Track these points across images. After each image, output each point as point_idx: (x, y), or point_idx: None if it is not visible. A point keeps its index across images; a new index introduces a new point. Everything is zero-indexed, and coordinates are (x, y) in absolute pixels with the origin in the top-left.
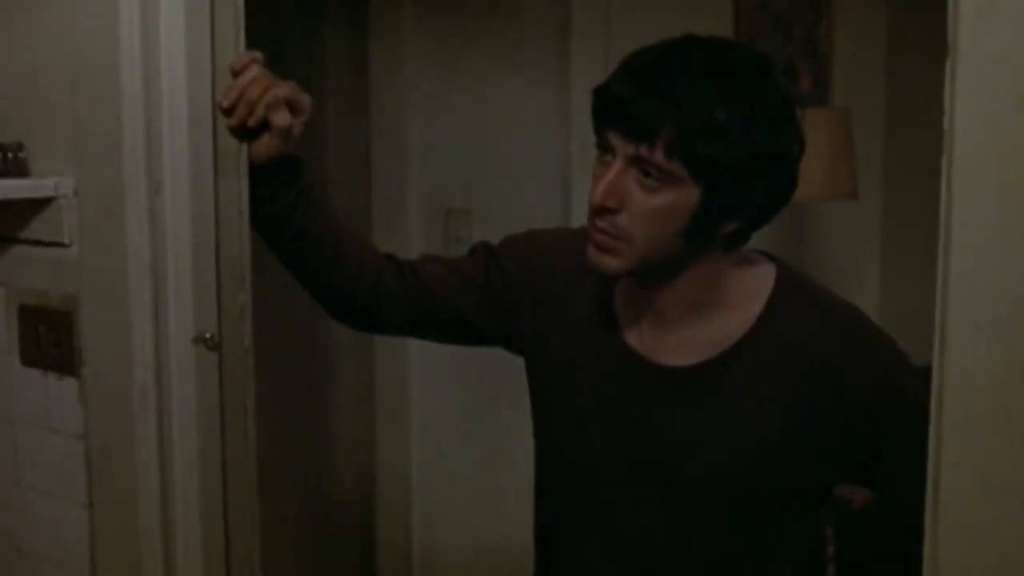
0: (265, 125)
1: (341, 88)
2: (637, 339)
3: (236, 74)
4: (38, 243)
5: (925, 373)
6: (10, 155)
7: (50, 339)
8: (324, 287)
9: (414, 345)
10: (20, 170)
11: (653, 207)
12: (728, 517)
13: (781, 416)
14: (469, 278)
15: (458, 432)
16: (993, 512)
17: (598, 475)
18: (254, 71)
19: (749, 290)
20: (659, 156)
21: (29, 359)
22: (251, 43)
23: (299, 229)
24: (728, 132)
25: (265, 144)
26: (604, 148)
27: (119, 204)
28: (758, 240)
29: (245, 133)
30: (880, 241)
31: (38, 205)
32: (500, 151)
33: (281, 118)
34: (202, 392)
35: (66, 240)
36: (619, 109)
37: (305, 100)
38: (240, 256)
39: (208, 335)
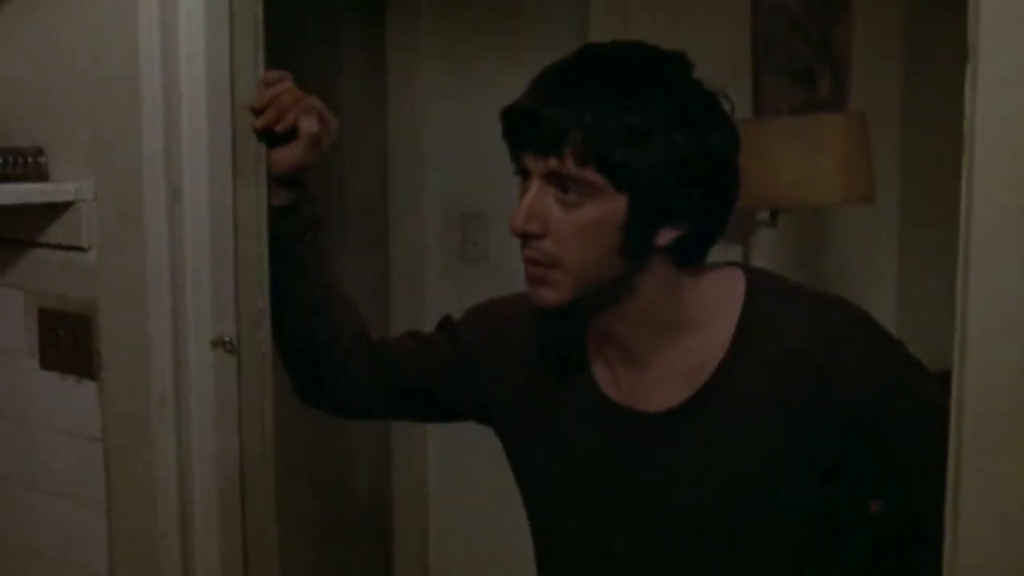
0: (290, 135)
1: (357, 91)
2: (612, 385)
3: (268, 86)
4: (57, 247)
5: (945, 380)
6: (30, 159)
7: (69, 343)
8: (298, 343)
9: None
10: (39, 174)
11: (577, 225)
12: (746, 555)
13: (778, 437)
14: (435, 352)
15: (475, 432)
16: (1020, 530)
17: (598, 535)
18: (287, 83)
19: (718, 303)
20: (570, 165)
21: (48, 363)
22: (269, 47)
23: (299, 259)
24: (643, 134)
25: (292, 151)
26: (522, 173)
27: (138, 208)
28: (769, 247)
29: (270, 138)
30: (898, 246)
31: (57, 209)
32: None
33: (310, 124)
34: (220, 396)
35: (85, 244)
36: (524, 124)
37: (333, 119)
38: (258, 260)
39: (226, 339)
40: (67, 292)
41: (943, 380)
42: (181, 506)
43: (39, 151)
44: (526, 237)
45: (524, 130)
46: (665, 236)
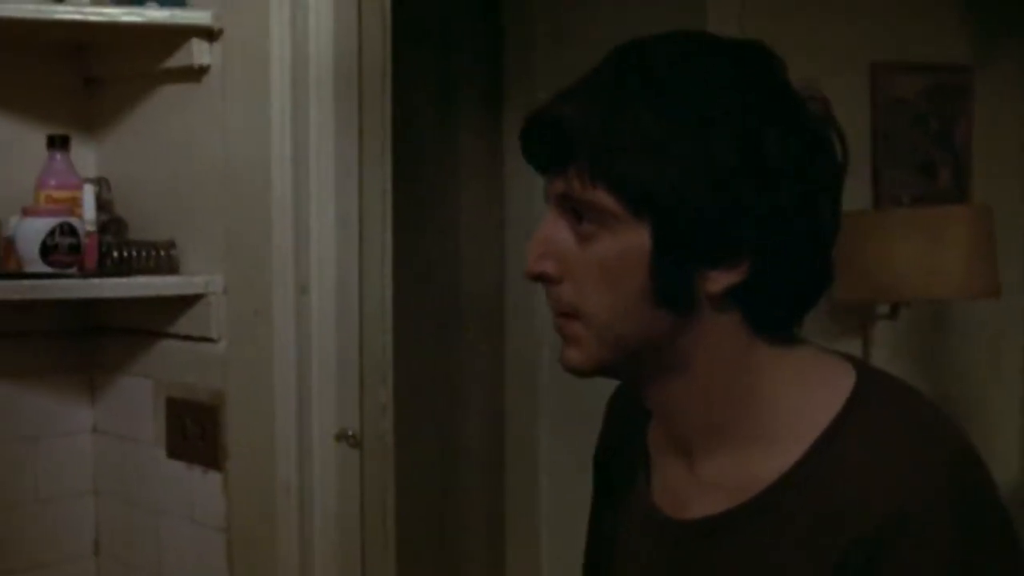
0: None
1: (475, 183)
2: (662, 488)
3: None
4: (187, 338)
5: None
6: (162, 253)
7: (196, 432)
8: None
9: (544, 454)
10: (171, 267)
11: (594, 261)
12: None
13: None
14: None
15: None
16: None
17: None
18: None
19: (806, 408)
20: (578, 185)
21: (175, 451)
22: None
23: None
24: (661, 144)
25: None
26: (546, 200)
27: (266, 302)
28: (889, 341)
29: None
30: None
31: (188, 301)
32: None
33: None
34: (343, 489)
35: (214, 336)
36: (531, 137)
37: None
38: (383, 355)
39: (350, 432)
40: (195, 383)
41: None
42: None
43: (171, 244)
44: (541, 281)
45: (531, 144)
46: (716, 282)
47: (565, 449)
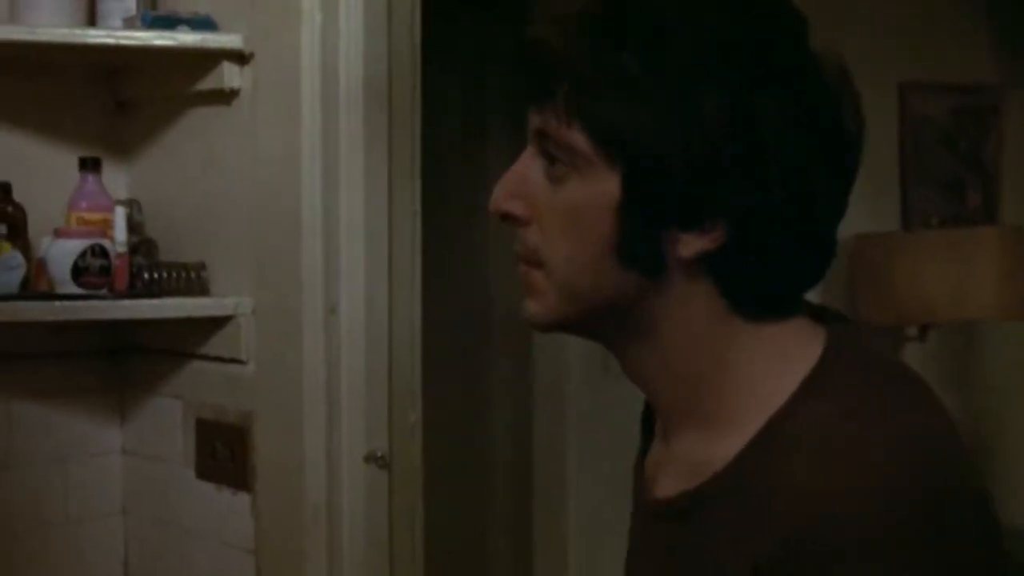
0: None
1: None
2: (652, 462)
3: None
4: (216, 359)
5: None
6: (192, 274)
7: (225, 453)
8: None
9: (572, 473)
10: (201, 289)
11: (561, 205)
12: None
13: None
14: None
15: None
16: None
17: None
18: None
19: (766, 386)
20: (554, 120)
21: (204, 472)
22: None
23: None
24: (641, 86)
25: None
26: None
27: (296, 323)
28: (917, 364)
29: None
30: None
31: (218, 323)
32: None
33: None
34: (371, 511)
35: (243, 357)
36: (518, 62)
37: None
38: (411, 375)
39: (379, 454)
40: (225, 404)
41: None
42: None
43: (202, 266)
44: (507, 220)
45: (519, 67)
46: (687, 246)
47: (593, 468)
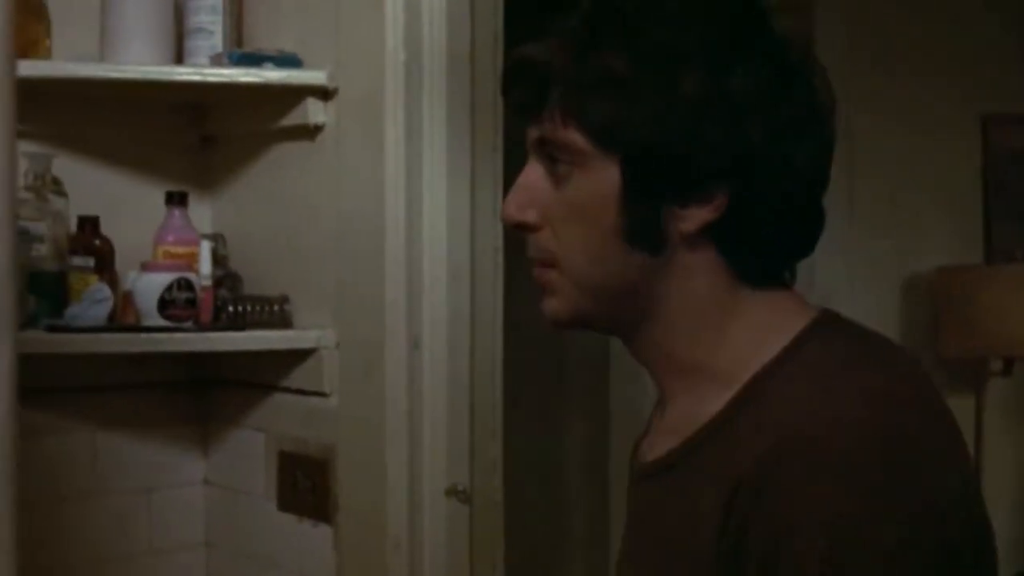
0: None
1: None
2: (648, 438)
3: None
4: (299, 392)
5: None
6: (276, 307)
7: (307, 486)
8: None
9: None
10: (284, 322)
11: (567, 204)
12: None
13: (703, 549)
14: None
15: None
16: None
17: None
18: None
19: (755, 349)
20: (550, 126)
21: (285, 504)
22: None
23: None
24: (628, 81)
25: None
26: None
27: (379, 357)
28: (1002, 398)
29: None
30: None
31: (300, 356)
32: None
33: None
34: (452, 544)
35: (326, 390)
36: (509, 78)
37: None
38: (493, 410)
39: (460, 488)
40: (307, 436)
41: None
42: None
43: (285, 299)
44: (521, 229)
45: (511, 89)
46: (690, 220)
47: None
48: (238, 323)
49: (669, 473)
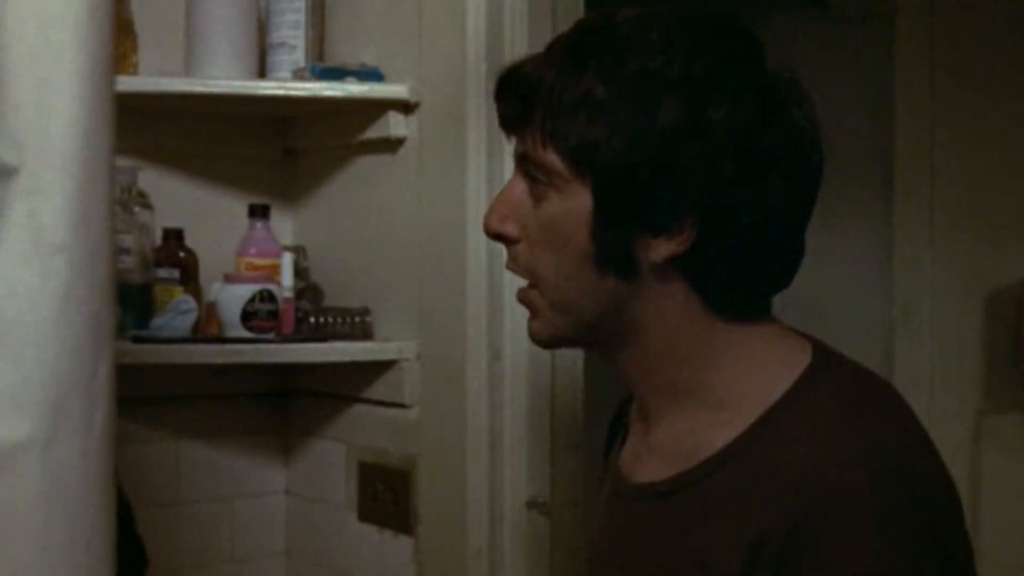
0: None
1: None
2: (628, 453)
3: None
4: (379, 403)
5: None
6: (357, 319)
7: (387, 496)
8: None
9: None
10: (365, 334)
11: (543, 222)
12: None
13: None
14: None
15: None
16: None
17: None
18: None
19: (758, 384)
20: (531, 143)
21: (366, 515)
22: None
23: None
24: (603, 106)
25: None
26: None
27: (459, 368)
28: None
29: None
30: None
31: (381, 367)
32: (819, 317)
33: None
34: (532, 557)
35: (407, 402)
36: (502, 95)
37: None
38: (574, 422)
39: (541, 500)
40: (387, 447)
41: None
42: None
43: (366, 311)
44: (500, 241)
45: (499, 97)
46: (657, 251)
47: None
48: (319, 335)
49: (665, 500)
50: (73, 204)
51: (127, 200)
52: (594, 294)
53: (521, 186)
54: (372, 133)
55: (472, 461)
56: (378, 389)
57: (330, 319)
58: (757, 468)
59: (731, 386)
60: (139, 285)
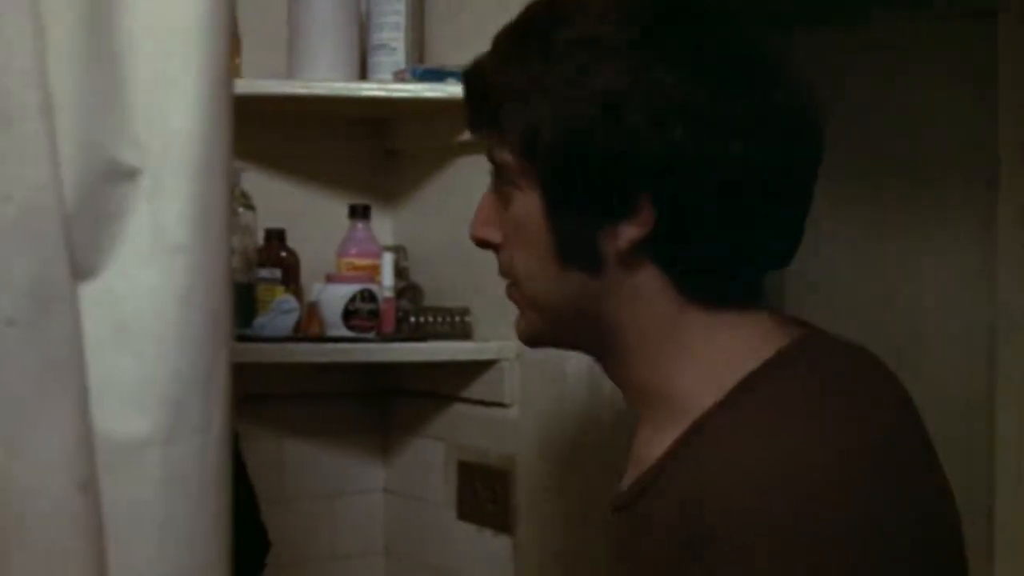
0: None
1: None
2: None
3: None
4: (479, 403)
5: None
6: (456, 319)
7: (487, 496)
8: None
9: None
10: (465, 333)
11: (511, 222)
12: None
13: None
14: None
15: None
16: None
17: None
18: None
19: (714, 378)
20: (490, 145)
21: (465, 514)
22: None
23: None
24: (542, 80)
25: None
26: None
27: (559, 369)
28: None
29: None
30: None
31: (481, 367)
32: (918, 328)
33: None
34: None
35: (506, 401)
36: (464, 93)
37: None
38: None
39: None
40: (487, 447)
41: None
42: None
43: (466, 311)
44: (483, 246)
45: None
46: (620, 237)
47: None
48: (419, 334)
49: (631, 509)
50: (194, 205)
51: (231, 201)
52: (565, 292)
53: (492, 192)
54: (470, 135)
55: (572, 462)
56: (478, 388)
57: (430, 319)
58: (680, 477)
59: (686, 385)
60: (242, 285)
